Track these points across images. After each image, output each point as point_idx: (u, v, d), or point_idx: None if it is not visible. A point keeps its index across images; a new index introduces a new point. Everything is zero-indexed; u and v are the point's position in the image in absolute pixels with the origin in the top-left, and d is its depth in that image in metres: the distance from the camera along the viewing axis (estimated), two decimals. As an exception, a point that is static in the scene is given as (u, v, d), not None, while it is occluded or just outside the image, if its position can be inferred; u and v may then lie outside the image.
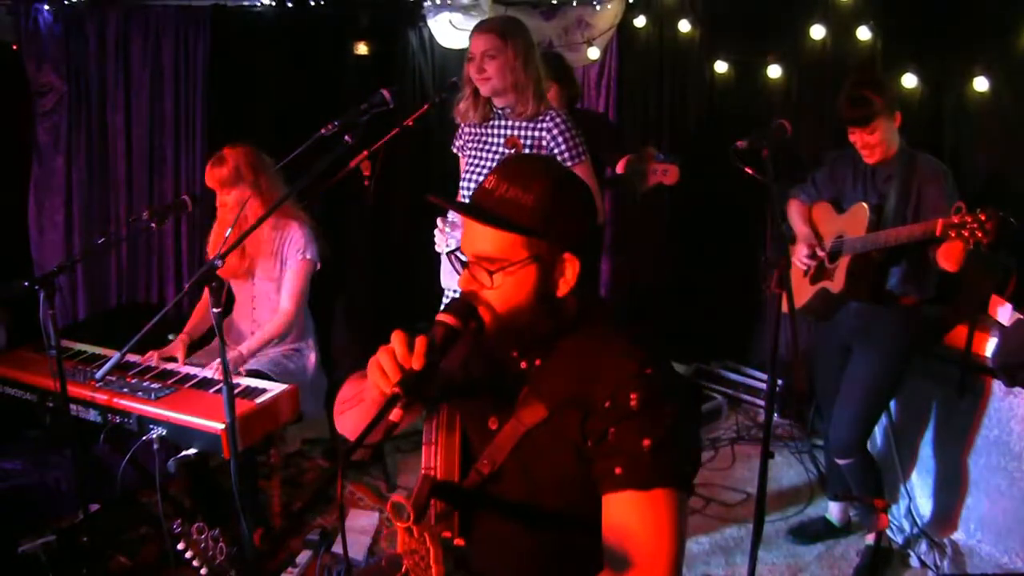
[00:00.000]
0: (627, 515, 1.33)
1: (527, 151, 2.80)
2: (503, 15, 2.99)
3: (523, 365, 1.49)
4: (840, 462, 2.98)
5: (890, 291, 2.85)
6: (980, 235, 2.35)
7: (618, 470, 1.33)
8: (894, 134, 2.82)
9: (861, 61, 3.87)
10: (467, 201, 1.49)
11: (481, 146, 2.91)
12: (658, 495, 1.32)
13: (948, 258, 2.51)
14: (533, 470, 1.47)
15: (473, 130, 2.96)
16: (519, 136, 2.82)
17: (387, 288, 4.93)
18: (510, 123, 2.85)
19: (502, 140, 2.85)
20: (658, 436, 1.33)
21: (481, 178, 2.85)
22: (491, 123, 2.90)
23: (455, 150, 3.06)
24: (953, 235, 2.41)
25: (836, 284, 2.91)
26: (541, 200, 1.38)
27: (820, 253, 2.96)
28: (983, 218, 2.34)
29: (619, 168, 3.72)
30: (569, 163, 2.75)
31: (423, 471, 1.55)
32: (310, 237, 3.18)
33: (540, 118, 2.80)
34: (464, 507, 1.54)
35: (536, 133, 2.80)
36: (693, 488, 1.40)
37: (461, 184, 2.98)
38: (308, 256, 3.17)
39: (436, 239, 2.83)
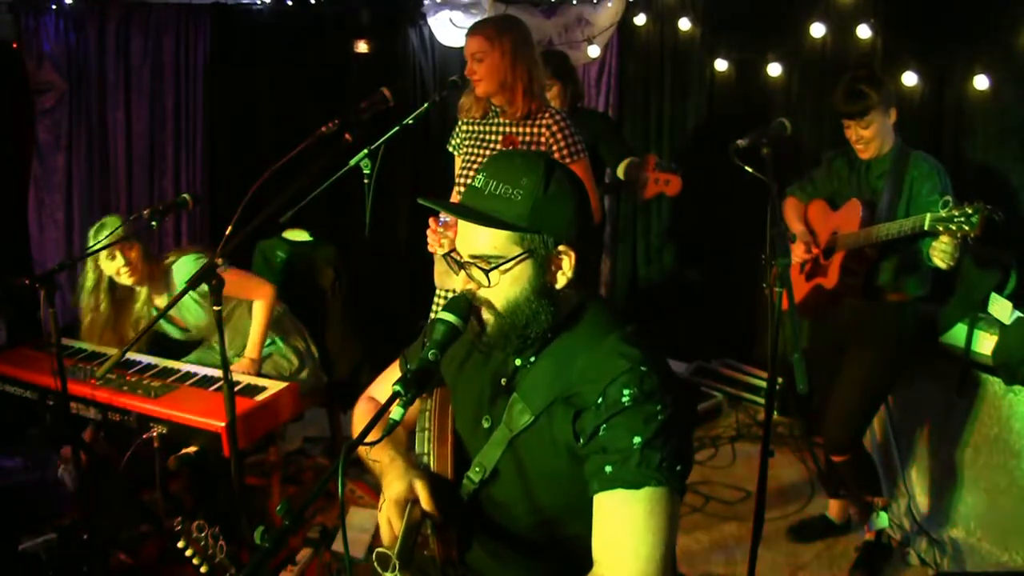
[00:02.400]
0: (617, 514, 1.32)
1: (524, 148, 2.80)
2: (498, 15, 3.00)
3: (517, 363, 1.50)
4: (836, 459, 2.98)
5: (881, 287, 2.86)
6: (967, 228, 2.36)
7: (608, 468, 1.32)
8: (889, 130, 2.83)
9: (860, 57, 3.87)
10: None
11: (478, 143, 2.91)
12: (648, 494, 1.30)
13: (938, 254, 2.51)
14: (527, 471, 1.47)
15: (471, 128, 2.95)
16: (516, 134, 2.82)
17: (387, 287, 4.93)
18: (508, 120, 2.84)
19: (499, 138, 2.85)
20: (650, 434, 1.31)
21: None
22: (489, 120, 2.90)
23: (451, 148, 3.05)
24: (941, 229, 2.43)
25: (830, 281, 2.93)
26: (531, 194, 1.38)
27: (815, 250, 2.97)
28: (969, 212, 2.36)
29: (619, 172, 3.72)
30: (567, 161, 2.75)
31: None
32: (198, 258, 3.10)
33: (538, 115, 2.80)
34: (461, 517, 1.55)
35: (534, 130, 2.80)
36: (685, 487, 1.37)
37: (457, 182, 2.97)
38: (224, 268, 3.08)
39: (429, 240, 2.83)
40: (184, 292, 2.28)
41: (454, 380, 1.64)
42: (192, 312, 3.19)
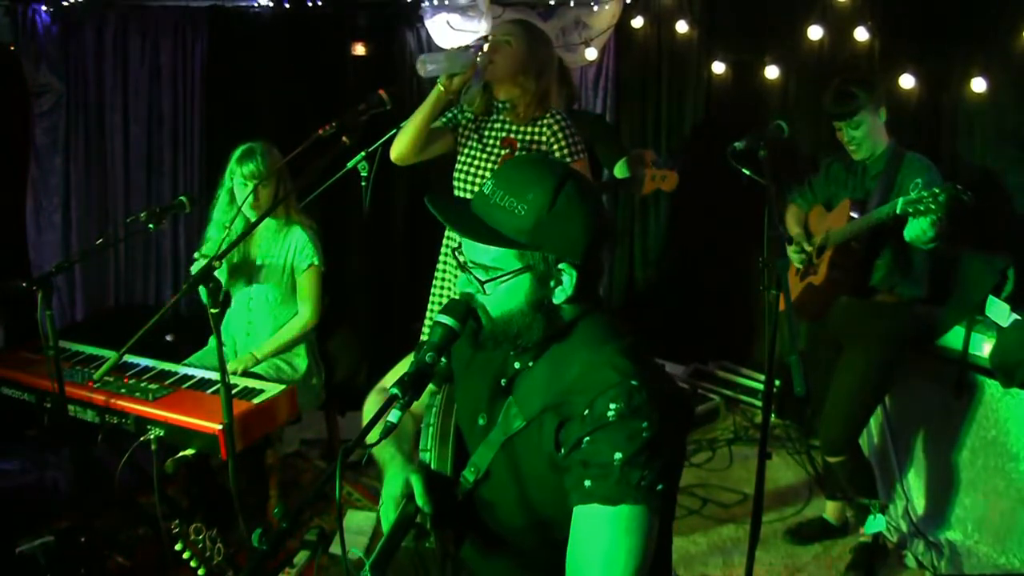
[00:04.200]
0: (591, 528, 1.30)
1: (523, 150, 2.79)
2: (537, 26, 2.96)
3: (516, 365, 1.50)
4: (831, 460, 2.99)
5: (875, 287, 2.87)
6: (934, 208, 2.40)
7: (588, 482, 1.30)
8: (881, 130, 2.84)
9: (848, 59, 3.88)
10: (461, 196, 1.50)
11: (478, 139, 2.89)
12: (625, 512, 1.28)
13: (913, 235, 2.53)
14: (518, 475, 1.48)
15: (473, 122, 2.92)
16: (516, 135, 2.81)
17: (385, 288, 4.93)
18: (511, 120, 2.83)
19: (499, 140, 2.84)
20: (632, 451, 1.29)
21: (473, 173, 2.85)
22: (492, 119, 2.88)
23: (444, 120, 2.94)
24: (911, 211, 2.45)
25: (819, 277, 2.94)
26: (535, 209, 1.36)
27: (808, 248, 2.99)
28: (937, 191, 2.39)
29: (616, 171, 3.72)
30: (568, 160, 2.75)
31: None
32: (316, 242, 3.22)
33: (540, 117, 2.80)
34: (457, 515, 1.56)
35: (535, 130, 2.80)
36: (665, 502, 1.33)
37: (454, 176, 2.94)
38: (317, 262, 3.22)
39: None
40: (181, 294, 2.29)
41: (460, 377, 1.66)
42: (264, 237, 3.25)
